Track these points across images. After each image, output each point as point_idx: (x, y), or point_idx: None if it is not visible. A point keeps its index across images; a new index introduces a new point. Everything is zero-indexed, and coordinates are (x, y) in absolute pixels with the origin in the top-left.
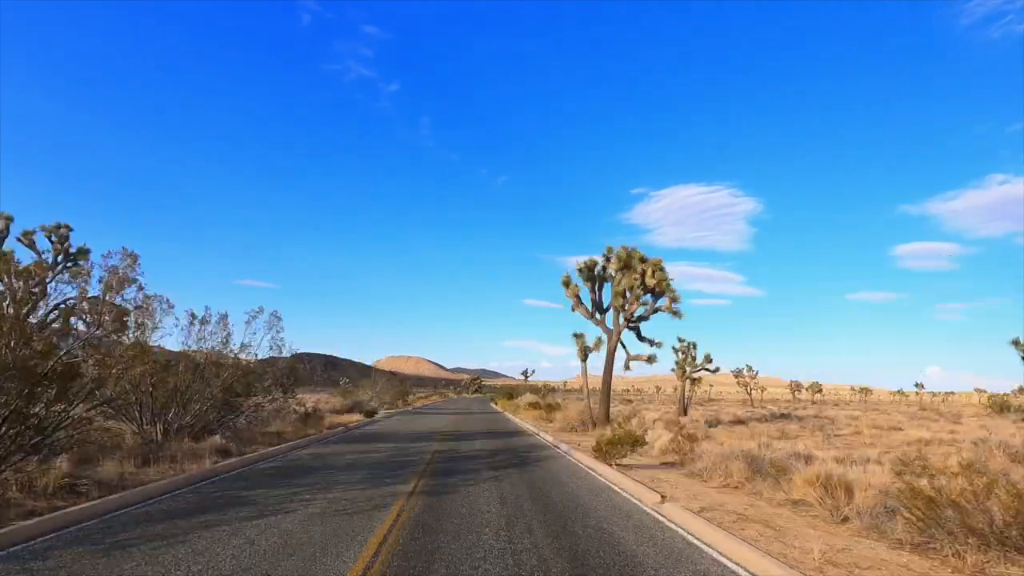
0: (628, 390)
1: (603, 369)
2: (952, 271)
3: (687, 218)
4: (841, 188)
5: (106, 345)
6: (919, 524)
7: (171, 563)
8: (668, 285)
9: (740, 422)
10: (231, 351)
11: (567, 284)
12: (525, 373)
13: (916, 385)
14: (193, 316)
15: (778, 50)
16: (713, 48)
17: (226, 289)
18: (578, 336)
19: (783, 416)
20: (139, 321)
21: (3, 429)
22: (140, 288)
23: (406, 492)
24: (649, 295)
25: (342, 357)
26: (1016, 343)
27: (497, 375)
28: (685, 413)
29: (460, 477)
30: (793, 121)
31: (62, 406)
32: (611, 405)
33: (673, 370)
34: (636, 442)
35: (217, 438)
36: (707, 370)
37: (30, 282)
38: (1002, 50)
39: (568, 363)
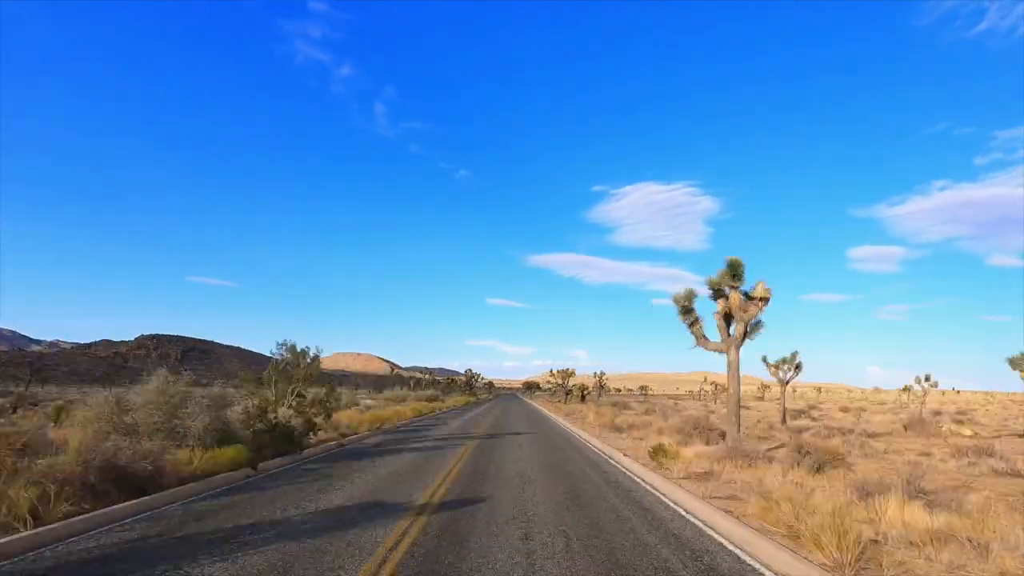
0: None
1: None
2: (898, 273)
3: (649, 217)
4: (797, 190)
5: None
6: None
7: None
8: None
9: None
10: None
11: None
12: (469, 375)
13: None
14: None
15: (735, 53)
16: (673, 49)
17: (178, 287)
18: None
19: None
20: None
21: None
22: None
23: None
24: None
25: (225, 344)
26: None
27: (457, 374)
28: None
29: None
30: (750, 122)
31: None
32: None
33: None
34: None
35: None
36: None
37: None
38: (958, 53)
39: (530, 362)
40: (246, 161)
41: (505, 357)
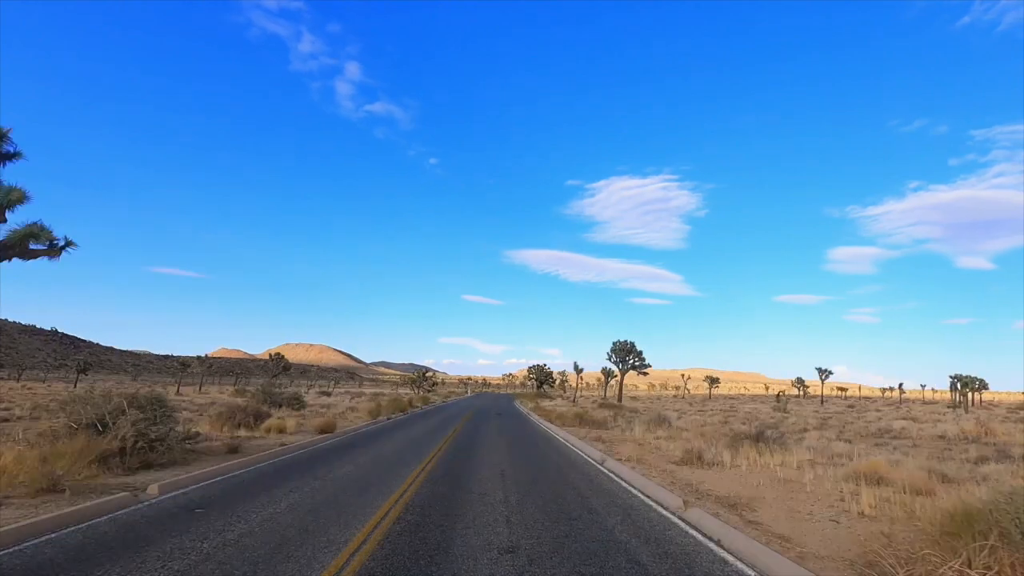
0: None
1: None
2: (871, 275)
3: (626, 212)
4: (774, 190)
5: None
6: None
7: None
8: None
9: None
10: None
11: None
12: (422, 374)
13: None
14: None
15: (709, 51)
16: (647, 45)
17: (139, 278)
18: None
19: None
20: None
21: None
22: None
23: None
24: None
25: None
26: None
27: (428, 369)
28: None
29: None
30: (726, 119)
31: None
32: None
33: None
34: None
35: None
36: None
37: None
38: (941, 49)
39: (504, 361)
40: (191, 142)
41: (479, 355)
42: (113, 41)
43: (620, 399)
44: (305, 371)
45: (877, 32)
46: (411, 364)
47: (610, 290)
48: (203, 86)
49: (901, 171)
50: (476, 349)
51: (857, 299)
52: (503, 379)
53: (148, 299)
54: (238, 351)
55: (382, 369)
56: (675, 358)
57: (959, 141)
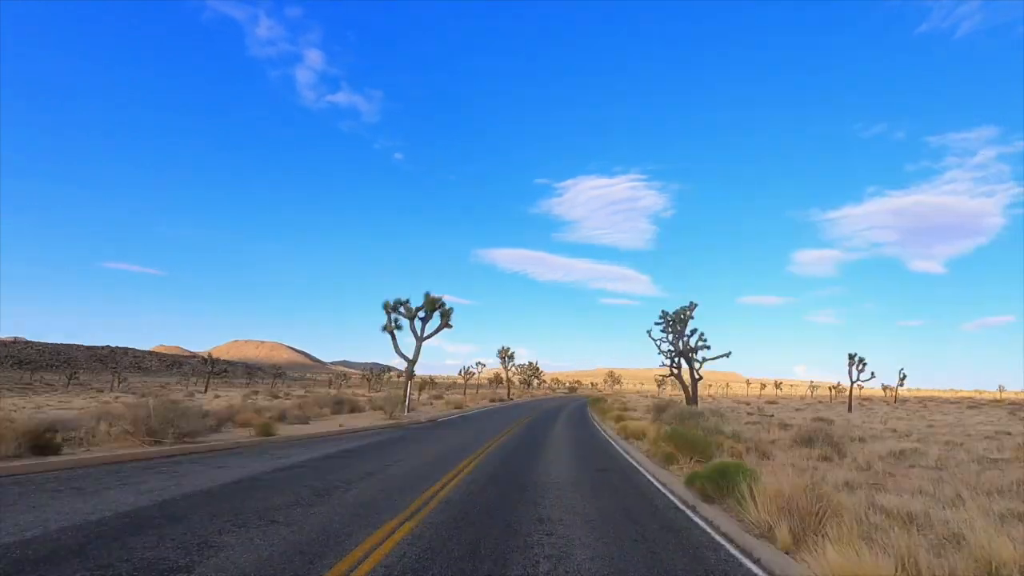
0: None
1: None
2: (831, 277)
3: (592, 213)
4: (739, 191)
5: None
6: None
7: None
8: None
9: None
10: None
11: None
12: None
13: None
14: None
15: (675, 54)
16: (614, 48)
17: (88, 274)
18: None
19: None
20: None
21: None
22: None
23: None
24: None
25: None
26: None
27: (391, 368)
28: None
29: None
30: (695, 118)
31: None
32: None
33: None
34: None
35: None
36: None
37: None
38: (903, 55)
39: (470, 360)
40: (140, 131)
41: (446, 355)
42: (50, 22)
43: (694, 399)
44: (253, 371)
45: (843, 37)
46: (374, 364)
47: (579, 290)
48: (153, 72)
49: (860, 176)
50: (444, 349)
51: (818, 300)
52: (463, 378)
53: (91, 293)
54: (177, 348)
55: (341, 368)
56: (645, 359)
57: (915, 147)
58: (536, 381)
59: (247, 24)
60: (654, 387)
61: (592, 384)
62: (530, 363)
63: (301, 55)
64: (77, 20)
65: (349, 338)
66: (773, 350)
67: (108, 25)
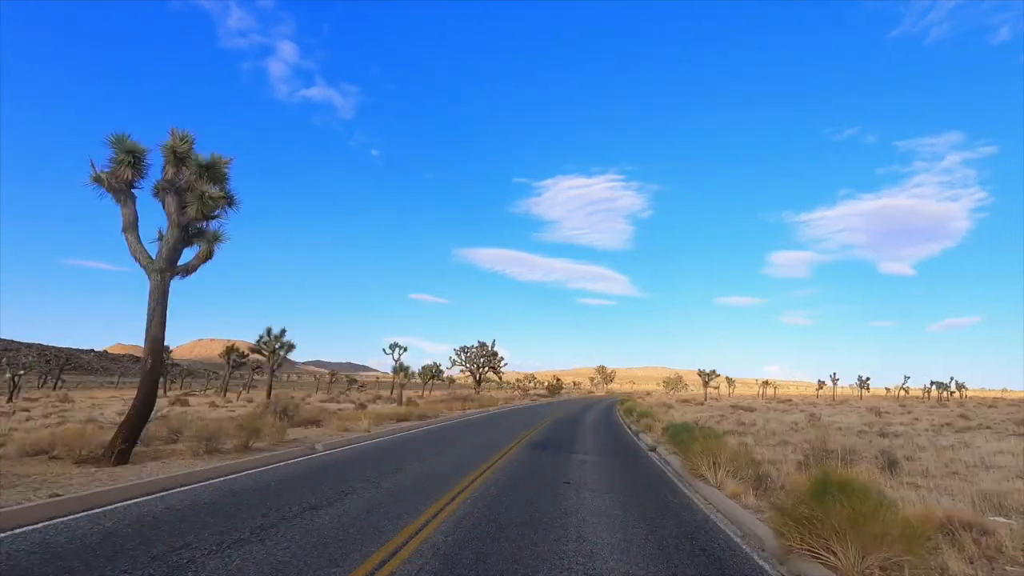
0: None
1: None
2: (805, 278)
3: (571, 213)
4: (715, 192)
5: None
6: None
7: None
8: None
9: None
10: None
11: None
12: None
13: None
14: None
15: (651, 55)
16: (591, 51)
17: (53, 272)
18: None
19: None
20: None
21: None
22: None
23: None
24: None
25: None
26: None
27: (368, 369)
28: None
29: None
30: (673, 120)
31: None
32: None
33: None
34: None
35: None
36: None
37: None
38: (882, 58)
39: (448, 359)
40: (104, 119)
41: (425, 355)
42: (11, 13)
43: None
44: (215, 372)
45: (816, 42)
46: (349, 363)
47: (558, 290)
48: (121, 63)
49: (833, 179)
50: (422, 349)
51: (792, 301)
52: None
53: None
54: (135, 346)
55: (312, 368)
56: (623, 358)
57: (885, 151)
58: (493, 374)
59: (218, 15)
60: (649, 387)
61: (575, 383)
62: (481, 343)
63: (274, 47)
64: (42, 9)
65: (324, 337)
66: (747, 350)
67: (72, 14)
